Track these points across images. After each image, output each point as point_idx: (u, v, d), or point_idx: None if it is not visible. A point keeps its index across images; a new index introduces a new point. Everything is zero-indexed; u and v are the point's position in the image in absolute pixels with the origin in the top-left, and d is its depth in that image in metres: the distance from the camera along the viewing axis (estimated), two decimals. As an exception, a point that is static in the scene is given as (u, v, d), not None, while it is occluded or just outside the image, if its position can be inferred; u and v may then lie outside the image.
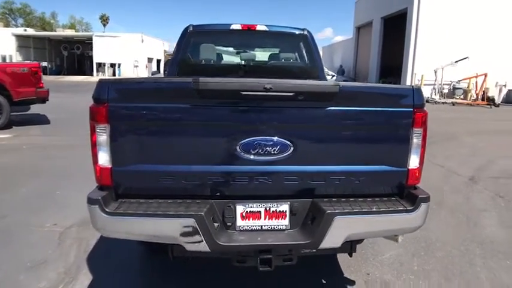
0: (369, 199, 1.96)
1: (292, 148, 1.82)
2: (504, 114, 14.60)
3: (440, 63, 17.41)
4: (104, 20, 62.26)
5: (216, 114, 1.77)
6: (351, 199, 1.95)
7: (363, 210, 1.84)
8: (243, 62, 3.99)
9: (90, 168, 1.85)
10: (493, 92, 18.35)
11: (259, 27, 3.81)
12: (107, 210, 1.70)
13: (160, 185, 1.81)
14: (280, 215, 1.91)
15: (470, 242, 3.22)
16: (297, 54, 4.00)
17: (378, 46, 24.55)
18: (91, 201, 1.72)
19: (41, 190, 4.26)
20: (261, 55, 4.10)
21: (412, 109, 1.89)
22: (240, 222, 1.88)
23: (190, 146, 1.80)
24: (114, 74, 34.43)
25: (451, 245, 3.12)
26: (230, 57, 4.15)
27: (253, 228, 1.90)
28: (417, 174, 1.98)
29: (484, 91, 17.76)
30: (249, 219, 1.89)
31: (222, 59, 4.00)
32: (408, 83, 19.06)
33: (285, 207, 1.91)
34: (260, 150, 1.80)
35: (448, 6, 18.45)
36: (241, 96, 1.70)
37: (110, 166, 1.76)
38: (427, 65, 18.28)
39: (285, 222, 1.92)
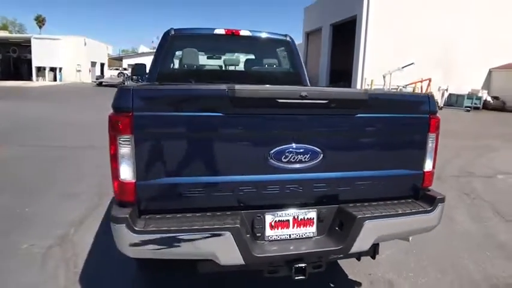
0: (388, 202, 2.02)
1: (321, 155, 1.82)
2: (447, 117, 15.93)
3: (388, 69, 18.55)
4: (40, 21, 58.00)
5: (248, 122, 1.72)
6: (373, 203, 2.00)
7: (390, 213, 1.89)
8: (227, 68, 3.93)
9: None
10: (436, 96, 19.98)
11: (242, 33, 3.79)
12: (136, 228, 1.56)
13: (187, 198, 1.71)
14: (308, 222, 1.90)
15: (453, 236, 3.45)
16: (280, 59, 4.03)
17: (327, 51, 25.58)
18: (117, 220, 1.57)
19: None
20: (246, 60, 4.06)
21: (428, 115, 1.99)
22: (268, 232, 1.84)
23: (220, 155, 1.72)
24: (55, 79, 32.21)
25: (436, 241, 3.31)
26: (213, 62, 4.06)
27: (282, 237, 1.87)
28: (431, 177, 2.08)
29: (428, 95, 19.21)
30: (277, 229, 1.86)
31: (205, 64, 3.90)
32: (358, 87, 20.08)
33: (312, 214, 1.90)
34: (291, 158, 1.78)
35: (395, 15, 19.74)
36: (275, 104, 1.67)
37: (133, 181, 1.63)
38: (376, 70, 19.38)
39: (312, 230, 1.91)
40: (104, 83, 28.88)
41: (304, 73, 4.06)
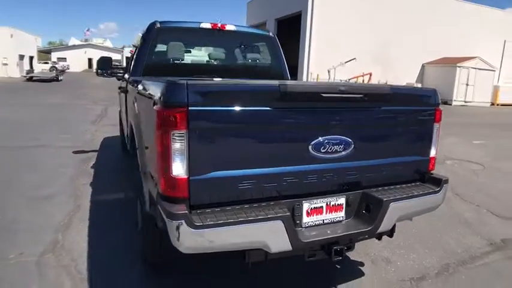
0: (403, 185, 2.24)
1: (353, 145, 1.96)
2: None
3: (333, 64, 19.53)
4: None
5: (293, 116, 1.79)
6: (391, 187, 2.19)
7: (409, 195, 2.10)
8: (212, 62, 3.91)
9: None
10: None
11: (228, 27, 3.80)
12: (196, 224, 1.55)
13: (236, 190, 1.74)
14: (338, 208, 2.03)
15: (426, 217, 3.84)
16: (264, 54, 4.10)
17: (273, 46, 26.08)
18: (174, 216, 1.55)
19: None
20: (229, 55, 4.07)
21: (434, 107, 2.23)
22: (305, 219, 1.94)
23: (267, 148, 1.78)
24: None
25: (414, 222, 3.66)
26: (198, 56, 4.00)
27: (317, 223, 1.98)
28: (434, 162, 2.34)
29: (367, 88, 20.57)
30: (313, 215, 1.97)
31: (191, 57, 3.85)
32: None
33: (342, 200, 2.04)
34: (328, 149, 1.89)
35: (338, 12, 20.74)
36: (318, 98, 1.76)
37: (186, 176, 1.61)
38: (321, 65, 20.28)
39: (341, 214, 2.05)
40: (34, 78, 26.30)
41: (286, 68, 4.20)
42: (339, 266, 2.80)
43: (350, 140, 1.94)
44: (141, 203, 2.36)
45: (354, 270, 2.73)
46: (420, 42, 22.49)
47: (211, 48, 3.96)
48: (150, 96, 1.81)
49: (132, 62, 4.19)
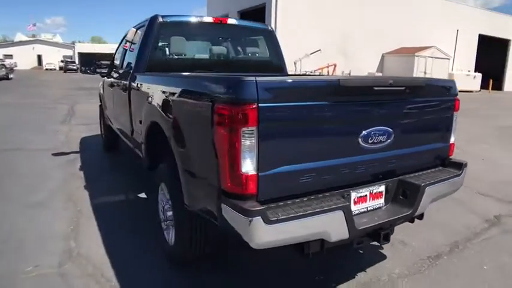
0: (428, 171, 2.38)
1: (393, 135, 2.05)
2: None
3: (298, 56, 19.83)
4: None
5: (347, 109, 1.84)
6: (420, 173, 2.32)
7: (440, 179, 2.24)
8: (214, 56, 3.86)
9: None
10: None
11: (230, 21, 3.77)
12: (271, 219, 1.56)
13: (297, 184, 1.77)
14: (379, 195, 2.13)
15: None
16: (264, 48, 4.11)
17: (238, 39, 25.94)
18: (251, 213, 1.54)
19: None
20: (231, 49, 4.03)
21: (454, 97, 2.38)
22: (353, 207, 2.01)
23: (326, 141, 1.82)
24: None
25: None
26: (201, 50, 3.92)
27: (362, 211, 2.06)
28: (453, 148, 2.51)
29: (332, 79, 21.20)
30: (359, 204, 2.04)
31: (194, 52, 3.76)
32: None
33: (382, 188, 2.13)
34: (374, 140, 1.97)
35: (302, 5, 21.03)
36: (370, 91, 1.83)
37: (255, 173, 1.61)
38: (287, 57, 20.29)
39: (381, 201, 2.15)
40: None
41: (284, 62, 4.24)
42: (362, 252, 2.92)
43: (391, 130, 2.03)
44: (175, 202, 2.31)
45: (377, 254, 2.86)
46: (380, 33, 23.45)
47: (214, 43, 3.89)
48: (205, 94, 1.76)
49: (128, 58, 4.03)
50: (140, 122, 3.04)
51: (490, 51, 29.13)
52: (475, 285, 2.50)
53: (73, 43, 66.34)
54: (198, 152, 1.90)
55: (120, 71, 4.06)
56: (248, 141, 1.56)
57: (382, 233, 2.03)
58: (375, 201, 2.11)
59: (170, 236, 2.61)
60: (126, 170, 4.99)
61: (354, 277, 2.54)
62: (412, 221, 2.43)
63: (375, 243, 2.22)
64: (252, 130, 1.55)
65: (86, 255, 2.74)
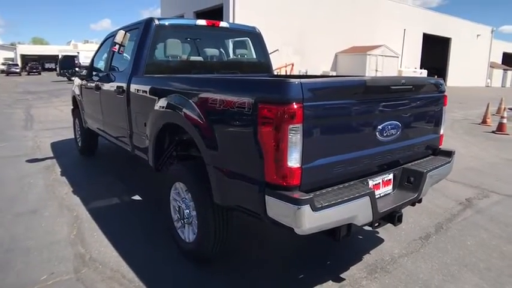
0: (424, 159, 2.68)
1: (401, 128, 2.31)
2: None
3: (259, 55, 20.12)
4: None
5: (370, 106, 2.07)
6: (417, 161, 2.62)
7: (437, 165, 2.54)
8: (208, 58, 3.93)
9: None
10: (298, 78, 22.70)
11: (222, 24, 3.88)
12: (317, 206, 1.73)
13: (329, 174, 1.96)
14: (389, 182, 2.38)
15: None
16: (253, 50, 4.25)
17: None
18: (300, 202, 1.70)
19: None
20: (223, 51, 4.12)
21: (443, 93, 2.70)
22: (372, 193, 2.24)
23: (354, 135, 2.03)
24: None
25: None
26: (195, 52, 3.95)
27: (377, 196, 2.29)
28: (442, 138, 2.84)
29: (291, 77, 21.79)
30: (375, 190, 2.27)
31: (188, 54, 3.81)
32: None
33: (391, 175, 2.39)
34: (388, 133, 2.21)
35: (260, 3, 21.31)
36: (388, 90, 2.07)
37: (299, 166, 1.77)
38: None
39: (390, 188, 2.40)
40: None
41: (271, 62, 4.42)
42: (361, 237, 3.19)
43: (400, 124, 2.29)
44: (200, 200, 2.40)
45: (375, 238, 3.13)
46: (333, 33, 24.45)
47: (207, 45, 3.96)
48: (246, 95, 1.87)
49: (118, 60, 3.99)
50: (145, 124, 3.06)
51: (433, 49, 31.52)
52: (465, 258, 2.84)
53: (13, 44, 61.67)
54: (236, 149, 2.01)
55: (111, 74, 3.99)
56: (294, 137, 1.72)
57: (397, 215, 2.28)
58: (385, 188, 2.35)
59: (187, 234, 2.68)
60: (111, 173, 4.89)
61: (361, 259, 2.79)
62: (413, 205, 2.72)
63: (389, 224, 2.45)
64: (298, 127, 1.71)
65: (99, 259, 2.73)
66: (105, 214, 3.56)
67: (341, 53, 25.77)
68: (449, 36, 32.83)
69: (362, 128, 2.09)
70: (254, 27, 4.21)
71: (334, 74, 24.03)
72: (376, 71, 24.50)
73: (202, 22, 3.72)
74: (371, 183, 2.24)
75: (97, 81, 4.37)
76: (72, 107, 6.14)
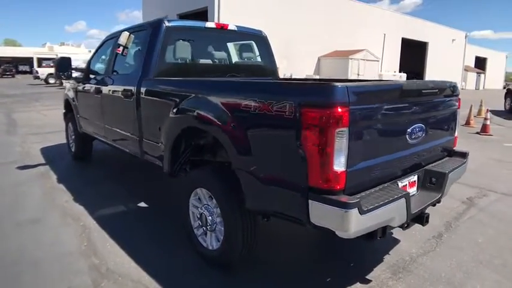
0: (441, 160, 2.74)
1: (425, 131, 2.35)
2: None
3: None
4: None
5: (403, 109, 2.10)
6: (437, 162, 2.67)
7: (456, 166, 2.60)
8: (217, 61, 3.89)
9: None
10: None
11: (230, 27, 3.86)
12: (363, 209, 1.73)
13: (367, 177, 1.97)
14: (413, 184, 2.42)
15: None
16: (260, 54, 4.25)
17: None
18: (348, 205, 1.70)
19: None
20: (231, 54, 4.08)
21: (458, 96, 2.78)
22: (403, 195, 2.26)
23: (391, 138, 2.06)
24: None
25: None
26: (204, 55, 3.90)
27: (407, 198, 2.32)
28: (457, 140, 2.91)
29: (276, 81, 21.93)
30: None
31: (197, 57, 3.75)
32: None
33: (415, 177, 2.42)
34: (415, 135, 2.25)
35: (245, 10, 21.35)
36: (420, 94, 2.11)
37: (344, 169, 1.77)
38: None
39: (415, 188, 2.44)
40: None
41: (276, 66, 4.43)
42: (377, 238, 3.21)
43: (424, 127, 2.33)
44: (228, 206, 2.35)
45: (391, 239, 3.17)
46: (316, 37, 24.77)
47: (216, 47, 3.92)
48: (287, 100, 1.85)
49: (123, 63, 3.89)
50: (159, 129, 2.98)
51: (411, 53, 32.42)
52: (479, 255, 2.92)
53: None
54: (273, 154, 1.98)
55: (114, 77, 3.89)
56: (341, 141, 1.71)
57: (425, 215, 2.31)
58: (411, 189, 2.38)
59: (210, 241, 2.63)
60: (110, 179, 4.75)
61: (382, 260, 2.81)
62: (434, 205, 2.77)
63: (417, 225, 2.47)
64: (344, 131, 1.71)
65: (118, 271, 2.63)
66: (113, 223, 3.44)
67: (324, 57, 26.13)
68: (426, 41, 33.90)
69: (396, 131, 2.12)
70: (260, 31, 4.21)
71: (317, 77, 24.39)
72: (358, 74, 24.94)
73: (211, 24, 3.68)
74: (400, 185, 2.26)
75: (97, 84, 4.24)
76: (64, 111, 5.95)
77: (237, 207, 2.30)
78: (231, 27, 3.83)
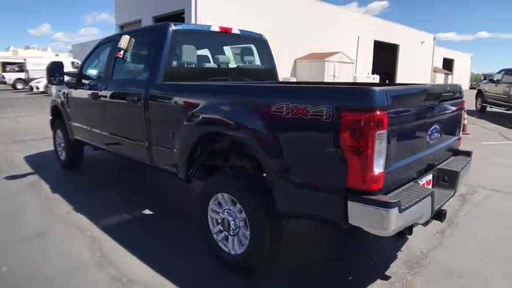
0: (449, 159, 2.88)
1: (440, 132, 2.48)
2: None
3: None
4: None
5: (426, 111, 2.21)
6: (446, 161, 2.81)
7: (465, 164, 2.75)
8: (221, 65, 3.90)
9: None
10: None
11: (234, 31, 3.88)
12: (402, 208, 1.81)
13: (397, 177, 2.05)
14: (429, 182, 2.54)
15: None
16: (261, 57, 4.29)
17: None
18: (389, 205, 1.77)
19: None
20: (235, 57, 4.10)
21: (462, 98, 2.94)
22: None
23: (415, 139, 2.16)
24: None
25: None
26: (208, 59, 3.88)
27: (423, 196, 2.44)
28: (461, 140, 3.07)
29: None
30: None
31: (202, 61, 3.74)
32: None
33: (430, 176, 2.55)
34: (433, 136, 2.37)
35: (221, 12, 21.31)
36: (440, 96, 2.23)
37: (383, 170, 1.84)
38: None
39: (430, 186, 2.56)
40: None
41: (276, 69, 4.49)
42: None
43: (439, 128, 2.45)
44: (255, 210, 2.37)
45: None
46: (292, 40, 25.09)
47: (220, 51, 3.93)
48: (325, 104, 1.89)
49: (124, 67, 3.83)
50: (173, 134, 2.96)
51: (383, 55, 33.46)
52: (484, 248, 3.09)
53: None
54: (308, 157, 2.02)
55: (116, 81, 3.81)
56: (380, 143, 1.79)
57: (443, 212, 2.43)
58: (428, 187, 2.50)
59: (231, 246, 2.63)
60: (106, 187, 4.65)
61: (396, 257, 2.92)
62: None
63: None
64: (384, 133, 1.79)
65: (140, 281, 2.57)
66: (121, 231, 3.35)
67: (300, 59, 26.49)
68: (397, 43, 35.10)
69: (420, 133, 2.23)
70: (261, 34, 4.26)
71: (294, 79, 24.69)
72: (334, 76, 25.45)
73: (216, 28, 3.68)
74: (420, 183, 2.37)
75: (94, 89, 4.13)
76: (51, 118, 5.73)
77: (264, 211, 2.32)
78: (235, 31, 3.85)
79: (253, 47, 4.23)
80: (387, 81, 29.34)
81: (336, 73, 25.72)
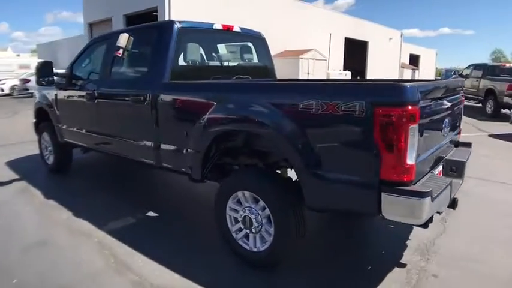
0: (454, 150, 3.04)
1: (450, 125, 2.61)
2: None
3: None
4: None
5: (444, 105, 2.32)
6: (451, 152, 2.96)
7: (468, 154, 2.91)
8: (224, 63, 3.89)
9: None
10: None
11: (235, 28, 3.88)
12: (434, 197, 1.90)
13: (421, 168, 2.15)
14: (440, 172, 2.67)
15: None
16: (260, 55, 4.31)
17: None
18: (423, 194, 1.86)
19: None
20: (234, 55, 4.09)
21: (461, 93, 3.10)
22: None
23: (435, 132, 2.28)
24: None
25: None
26: (211, 57, 3.84)
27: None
28: (460, 132, 3.24)
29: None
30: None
31: (205, 59, 3.70)
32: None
33: (441, 166, 2.68)
34: (445, 129, 2.50)
35: (195, 10, 21.04)
36: (454, 91, 2.38)
37: (415, 162, 1.93)
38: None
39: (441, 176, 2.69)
40: None
41: (274, 67, 4.54)
42: (392, 226, 3.45)
43: (448, 121, 2.59)
44: (281, 205, 2.40)
45: (404, 227, 3.32)
46: (266, 37, 25.23)
47: (222, 49, 3.91)
48: (358, 100, 1.94)
49: (124, 67, 3.73)
50: (186, 134, 2.92)
51: (353, 52, 34.32)
52: (486, 233, 3.29)
53: None
54: (340, 153, 2.07)
55: (117, 81, 3.70)
56: (413, 136, 1.87)
57: (456, 200, 2.56)
58: (440, 177, 2.63)
59: (253, 243, 2.64)
60: (101, 190, 4.52)
61: (407, 245, 3.05)
62: None
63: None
64: (416, 127, 1.87)
65: (165, 285, 2.51)
66: (130, 235, 3.26)
67: (275, 56, 26.56)
68: (366, 40, 36.11)
69: (439, 126, 2.35)
70: (259, 32, 4.27)
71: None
72: (308, 73, 25.85)
73: (218, 26, 3.66)
74: (435, 174, 2.49)
75: (89, 89, 3.99)
76: (35, 121, 5.47)
77: (289, 206, 2.36)
78: (236, 28, 3.85)
79: (253, 44, 4.24)
80: (358, 78, 30.16)
81: (310, 70, 26.13)
